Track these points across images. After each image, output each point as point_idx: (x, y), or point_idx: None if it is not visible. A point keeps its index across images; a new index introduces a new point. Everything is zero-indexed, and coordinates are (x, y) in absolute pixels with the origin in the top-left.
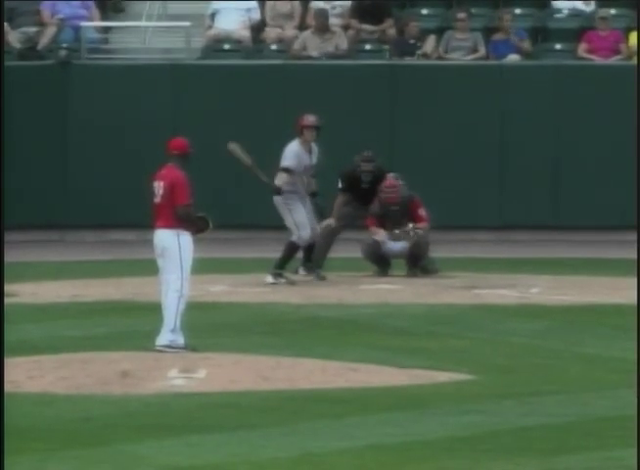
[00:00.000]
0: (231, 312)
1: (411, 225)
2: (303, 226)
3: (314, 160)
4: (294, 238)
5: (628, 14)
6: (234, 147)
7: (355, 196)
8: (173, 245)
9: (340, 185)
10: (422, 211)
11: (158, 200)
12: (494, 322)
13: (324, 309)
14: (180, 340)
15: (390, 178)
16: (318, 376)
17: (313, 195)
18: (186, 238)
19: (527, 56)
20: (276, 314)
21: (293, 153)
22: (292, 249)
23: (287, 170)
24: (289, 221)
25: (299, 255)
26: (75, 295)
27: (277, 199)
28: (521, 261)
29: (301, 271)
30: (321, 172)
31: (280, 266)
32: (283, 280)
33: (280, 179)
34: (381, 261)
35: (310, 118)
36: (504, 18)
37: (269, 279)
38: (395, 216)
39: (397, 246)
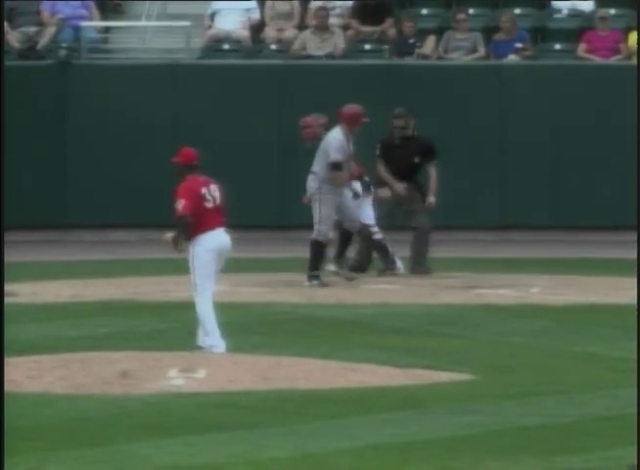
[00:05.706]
0: (231, 312)
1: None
2: (326, 222)
3: (352, 146)
4: (314, 235)
5: (628, 14)
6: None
7: (389, 159)
8: (190, 255)
9: (377, 151)
10: None
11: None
12: (494, 322)
13: (323, 309)
14: (221, 344)
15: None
16: (318, 376)
17: (360, 178)
18: (200, 248)
19: (527, 56)
20: (276, 314)
21: (338, 142)
22: (316, 247)
23: (337, 166)
24: (315, 214)
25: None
26: (75, 295)
27: (311, 185)
28: (521, 261)
29: (332, 268)
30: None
31: (314, 268)
32: (315, 282)
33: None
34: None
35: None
36: (506, 19)
37: (305, 283)
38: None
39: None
